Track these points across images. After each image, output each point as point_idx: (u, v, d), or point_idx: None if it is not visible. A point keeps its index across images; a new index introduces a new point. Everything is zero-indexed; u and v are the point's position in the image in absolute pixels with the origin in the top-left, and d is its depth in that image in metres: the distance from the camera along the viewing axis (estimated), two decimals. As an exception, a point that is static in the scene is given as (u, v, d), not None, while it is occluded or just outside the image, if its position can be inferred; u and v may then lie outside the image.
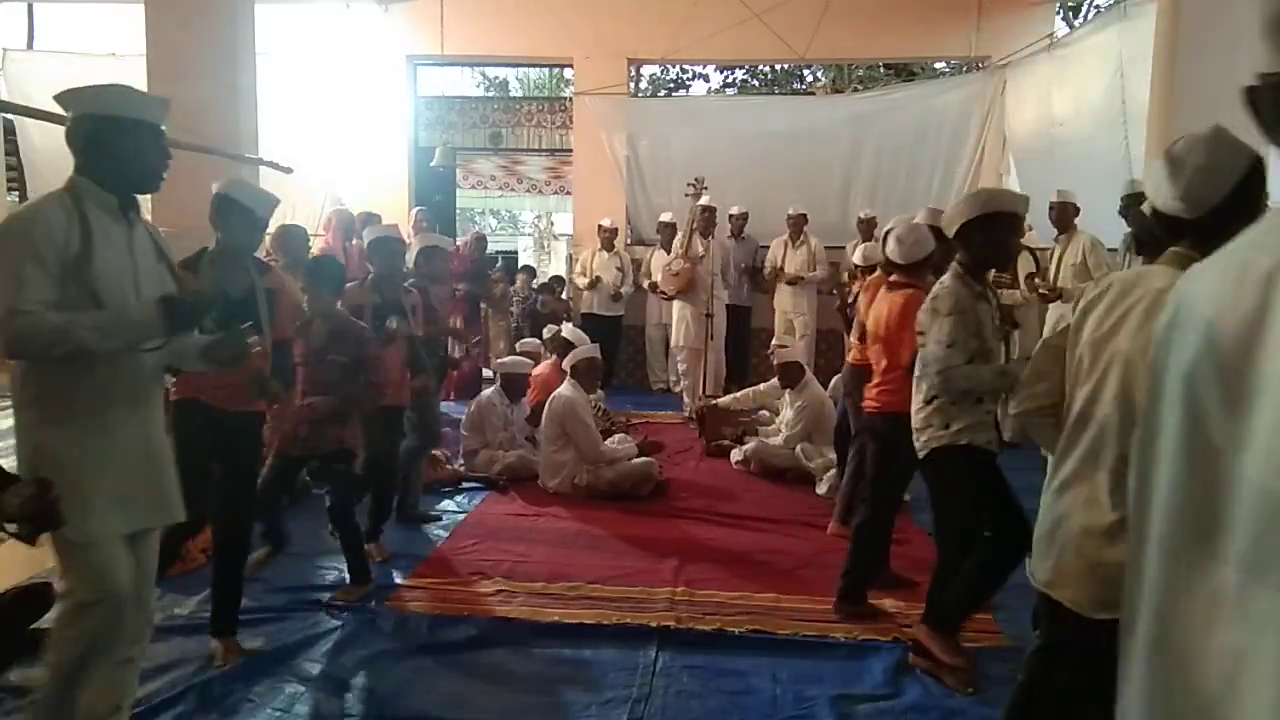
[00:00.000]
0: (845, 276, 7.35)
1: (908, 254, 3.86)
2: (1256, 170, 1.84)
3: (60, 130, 2.45)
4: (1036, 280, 6.31)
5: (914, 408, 3.26)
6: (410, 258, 5.15)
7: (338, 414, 3.91)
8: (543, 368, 6.93)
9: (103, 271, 2.35)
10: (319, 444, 3.93)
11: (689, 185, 8.00)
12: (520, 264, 11.74)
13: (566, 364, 6.07)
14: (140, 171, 2.46)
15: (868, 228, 8.38)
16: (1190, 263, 1.83)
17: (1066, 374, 2.06)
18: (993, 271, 3.50)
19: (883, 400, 3.79)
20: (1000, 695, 2.74)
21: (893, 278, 3.99)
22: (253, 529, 3.69)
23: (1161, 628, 1.02)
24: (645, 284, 9.12)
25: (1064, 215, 6.32)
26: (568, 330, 7.09)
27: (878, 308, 3.92)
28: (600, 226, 9.24)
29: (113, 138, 2.39)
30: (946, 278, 3.16)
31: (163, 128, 2.51)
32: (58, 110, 2.45)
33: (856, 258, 5.57)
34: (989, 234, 3.08)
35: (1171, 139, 2.01)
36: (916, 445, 3.24)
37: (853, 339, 4.84)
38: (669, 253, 8.93)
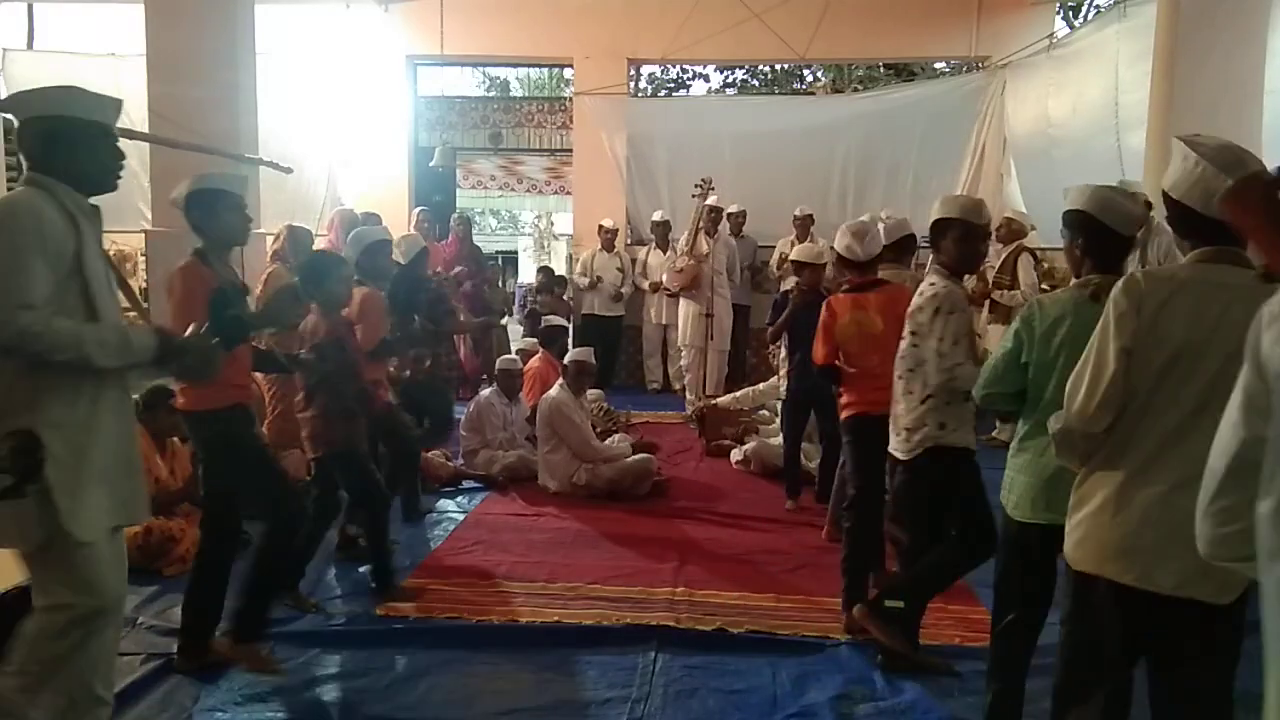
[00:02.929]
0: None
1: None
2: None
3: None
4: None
5: (902, 407, 3.26)
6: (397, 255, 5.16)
7: (342, 412, 3.86)
8: (534, 361, 6.94)
9: (93, 274, 2.34)
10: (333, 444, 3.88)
11: (696, 185, 8.01)
12: (540, 266, 11.85)
13: (566, 360, 6.09)
14: (99, 172, 2.42)
15: (804, 226, 8.52)
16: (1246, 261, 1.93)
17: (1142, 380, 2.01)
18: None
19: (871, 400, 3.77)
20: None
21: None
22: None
23: None
24: (645, 284, 9.13)
25: None
26: (553, 317, 7.32)
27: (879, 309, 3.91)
28: (601, 227, 9.24)
29: (69, 138, 2.34)
30: (936, 279, 3.18)
31: (114, 129, 2.47)
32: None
33: (796, 254, 5.46)
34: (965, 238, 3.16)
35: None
36: (905, 444, 3.24)
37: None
38: (664, 251, 8.97)
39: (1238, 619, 2.02)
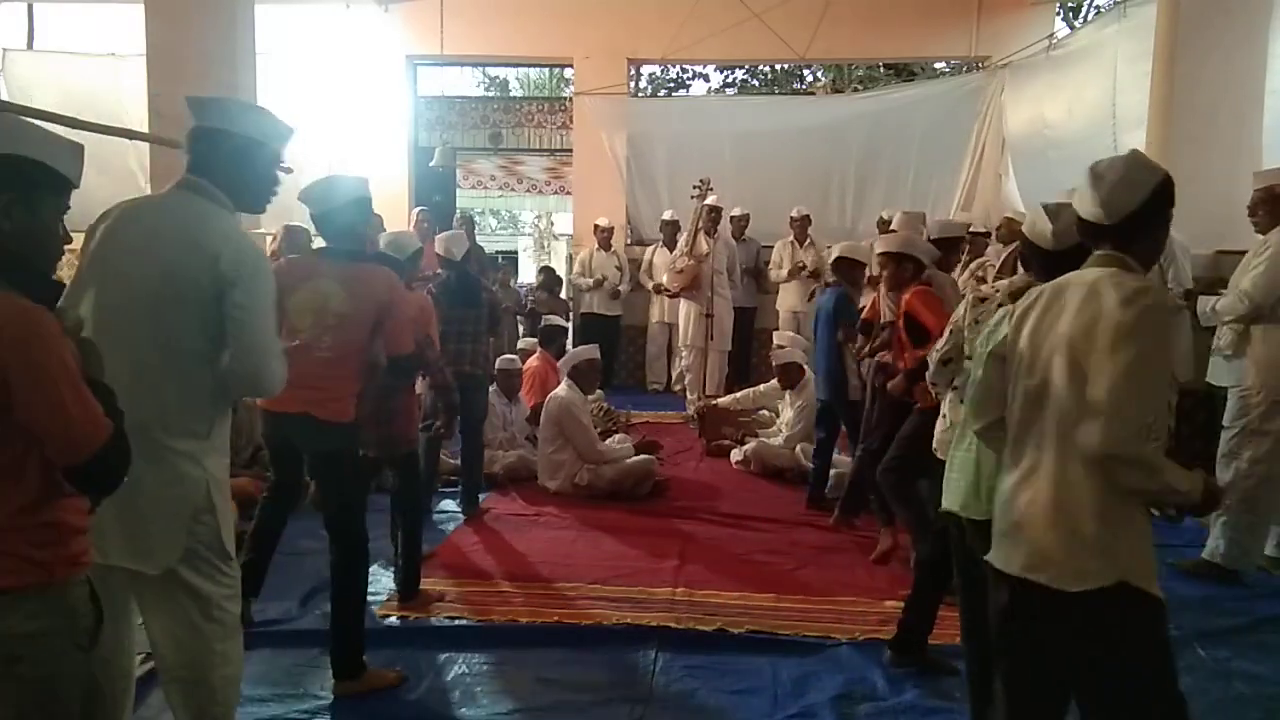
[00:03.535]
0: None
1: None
2: (1166, 187, 2.02)
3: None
4: None
5: None
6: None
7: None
8: (532, 361, 6.93)
9: None
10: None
11: (695, 186, 8.02)
12: (541, 266, 11.85)
13: (565, 364, 6.07)
14: (262, 196, 2.44)
15: (801, 226, 8.61)
16: (1114, 262, 1.99)
17: (1009, 378, 2.15)
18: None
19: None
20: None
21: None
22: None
23: None
24: (649, 284, 9.13)
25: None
26: (553, 317, 7.34)
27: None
28: (596, 226, 9.24)
29: (255, 161, 2.36)
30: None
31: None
32: (58, 110, 2.45)
33: (844, 250, 5.38)
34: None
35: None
36: None
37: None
38: (671, 250, 8.97)
39: (1120, 619, 1.95)
